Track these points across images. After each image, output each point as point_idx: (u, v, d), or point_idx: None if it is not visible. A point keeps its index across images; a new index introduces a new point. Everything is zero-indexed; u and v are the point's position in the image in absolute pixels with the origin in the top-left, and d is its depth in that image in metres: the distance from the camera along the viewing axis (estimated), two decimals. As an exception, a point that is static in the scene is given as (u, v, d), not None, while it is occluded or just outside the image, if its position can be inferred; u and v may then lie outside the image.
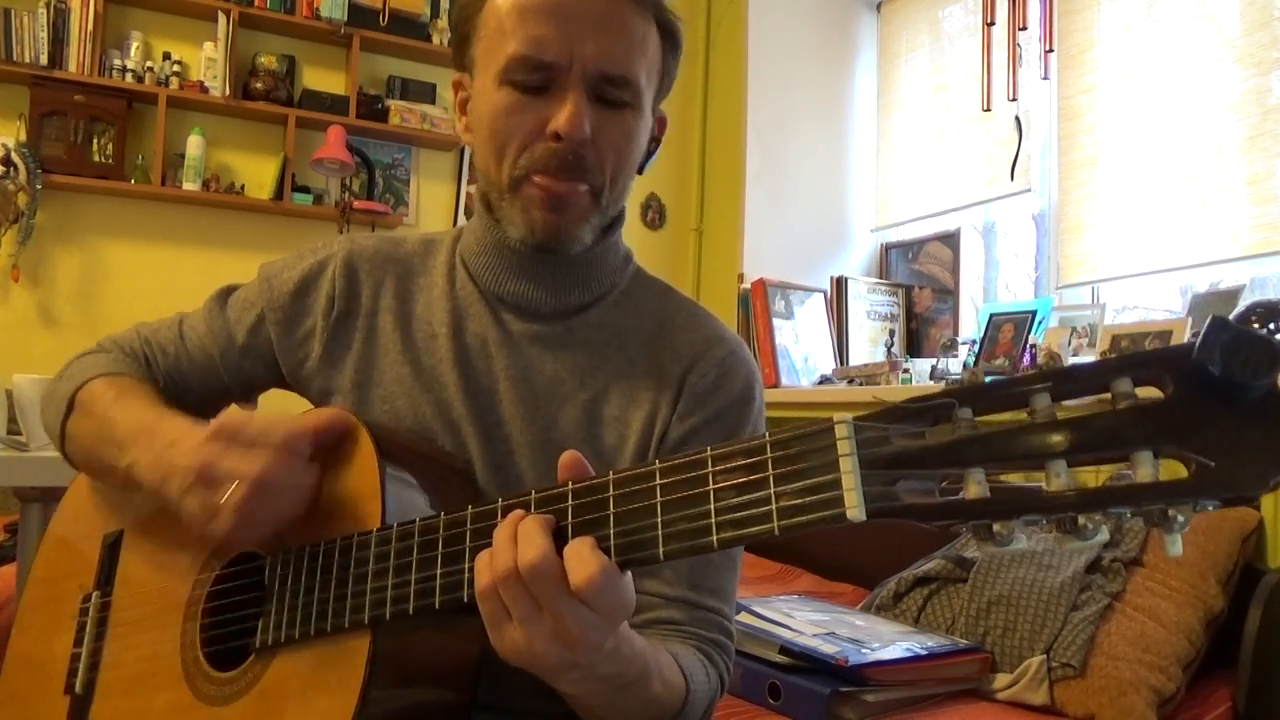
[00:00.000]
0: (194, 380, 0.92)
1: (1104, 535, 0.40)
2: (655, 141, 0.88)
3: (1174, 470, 0.39)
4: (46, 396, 0.92)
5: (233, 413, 0.76)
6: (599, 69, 0.76)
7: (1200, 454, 0.38)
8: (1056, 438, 0.41)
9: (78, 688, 0.83)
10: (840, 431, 0.48)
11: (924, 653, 1.52)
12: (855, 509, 0.46)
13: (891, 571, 1.91)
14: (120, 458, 0.79)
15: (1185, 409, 0.39)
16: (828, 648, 1.48)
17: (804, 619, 1.64)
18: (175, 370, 0.92)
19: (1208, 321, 0.38)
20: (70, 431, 0.87)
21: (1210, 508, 0.39)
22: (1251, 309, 1.76)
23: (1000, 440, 0.43)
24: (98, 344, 0.95)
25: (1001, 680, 1.58)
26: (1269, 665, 1.57)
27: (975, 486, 0.42)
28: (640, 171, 0.87)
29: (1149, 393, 0.40)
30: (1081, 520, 0.40)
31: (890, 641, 1.55)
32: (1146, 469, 0.39)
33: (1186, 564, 1.65)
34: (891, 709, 1.45)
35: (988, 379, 0.43)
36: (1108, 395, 0.40)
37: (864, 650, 1.48)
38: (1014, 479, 0.44)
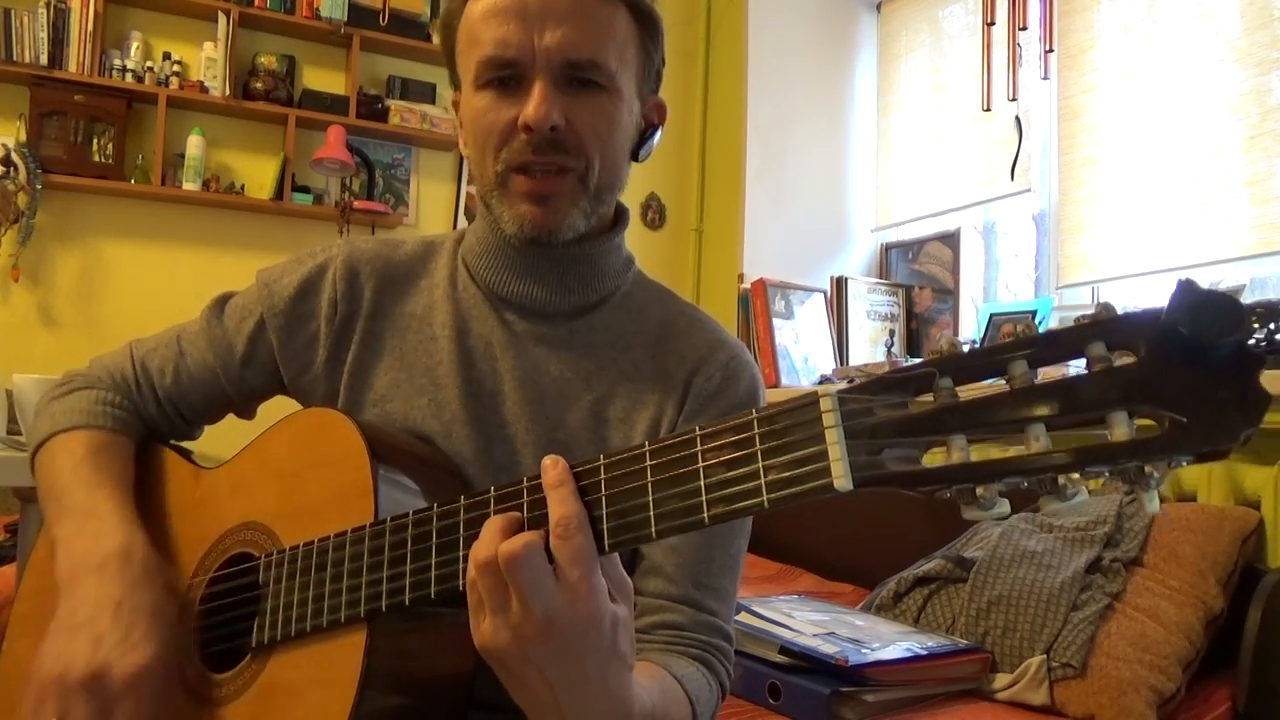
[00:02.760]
0: (195, 397, 0.91)
1: (1084, 495, 0.41)
2: (652, 127, 0.88)
3: (1150, 429, 0.40)
4: (35, 416, 0.92)
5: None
6: (562, 57, 0.77)
7: (1174, 411, 0.39)
8: (1034, 403, 0.42)
9: None
10: (825, 404, 0.49)
11: (924, 653, 1.52)
12: (842, 478, 0.47)
13: (891, 571, 1.90)
14: (60, 522, 0.81)
15: (1158, 369, 0.40)
16: (828, 648, 1.48)
17: (804, 619, 1.63)
18: (175, 390, 0.91)
19: (1176, 285, 0.40)
20: (36, 468, 0.89)
21: (1184, 463, 0.40)
22: (1251, 309, 1.75)
23: (980, 407, 0.44)
24: (90, 364, 0.94)
25: (1001, 680, 1.57)
26: (1269, 665, 1.57)
27: (958, 452, 0.43)
28: (636, 158, 0.88)
29: (1123, 356, 0.41)
30: (1061, 481, 0.40)
31: (890, 641, 1.54)
32: (1122, 428, 0.40)
33: (1186, 564, 1.64)
34: (891, 709, 1.45)
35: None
36: (1083, 360, 0.41)
37: (864, 650, 1.48)
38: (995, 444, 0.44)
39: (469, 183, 3.38)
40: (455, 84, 0.87)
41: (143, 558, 0.76)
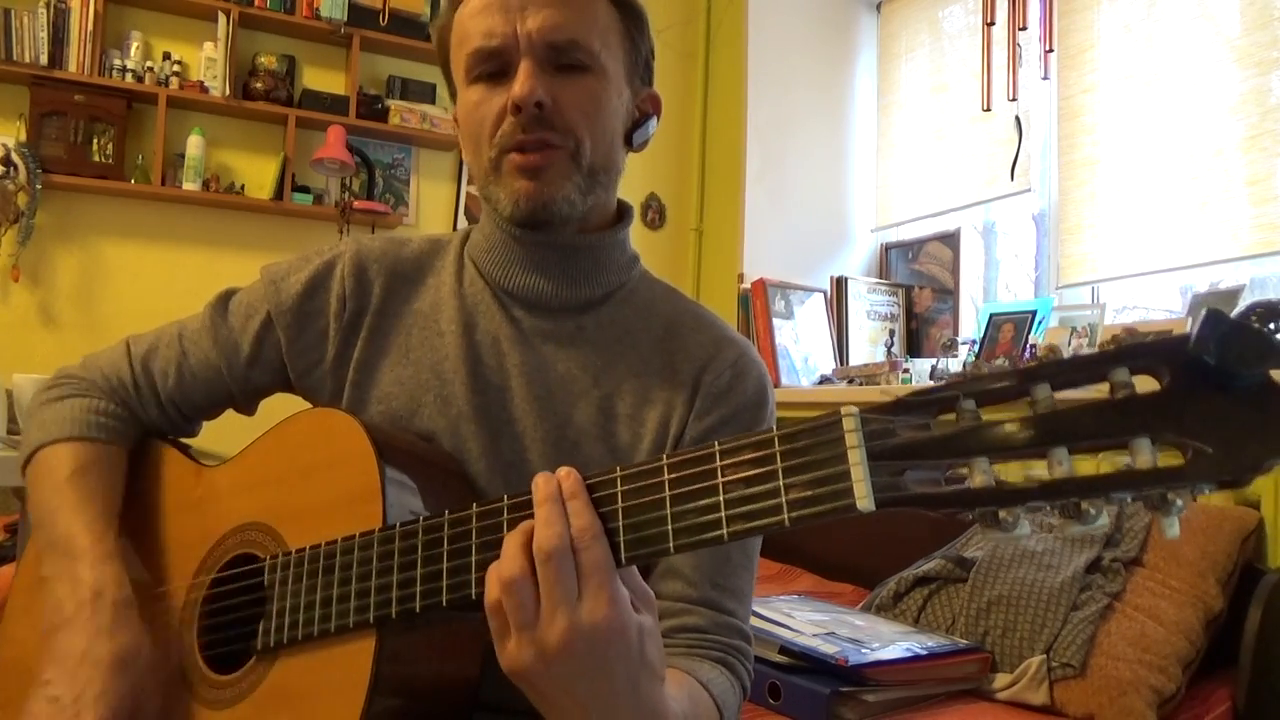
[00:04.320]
0: (198, 396, 0.91)
1: (1105, 520, 0.41)
2: (646, 116, 0.89)
3: (1173, 456, 0.40)
4: (25, 417, 0.91)
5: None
6: (543, 38, 0.79)
7: (1197, 440, 0.39)
8: (1057, 427, 0.42)
9: None
10: (848, 424, 0.49)
11: (924, 653, 1.52)
12: (864, 499, 0.47)
13: (891, 571, 1.91)
14: (44, 558, 0.81)
15: (1182, 398, 0.40)
16: (828, 648, 1.48)
17: (804, 619, 1.64)
18: (178, 391, 0.90)
19: (1203, 314, 0.40)
20: (28, 481, 0.88)
21: (1207, 491, 0.40)
22: (1251, 309, 1.76)
23: (1003, 430, 0.44)
24: (83, 362, 0.92)
25: (1001, 680, 1.58)
26: (1269, 665, 1.57)
27: (980, 475, 0.43)
28: (631, 144, 0.89)
29: (1146, 383, 0.42)
30: (1084, 505, 0.41)
31: (890, 641, 1.55)
32: (1145, 455, 0.40)
33: (1186, 564, 1.65)
34: (891, 709, 1.45)
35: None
36: (1106, 385, 0.41)
37: (864, 650, 1.48)
38: (1017, 467, 0.45)
39: (469, 183, 3.38)
40: (453, 94, 0.88)
41: (114, 599, 0.76)
